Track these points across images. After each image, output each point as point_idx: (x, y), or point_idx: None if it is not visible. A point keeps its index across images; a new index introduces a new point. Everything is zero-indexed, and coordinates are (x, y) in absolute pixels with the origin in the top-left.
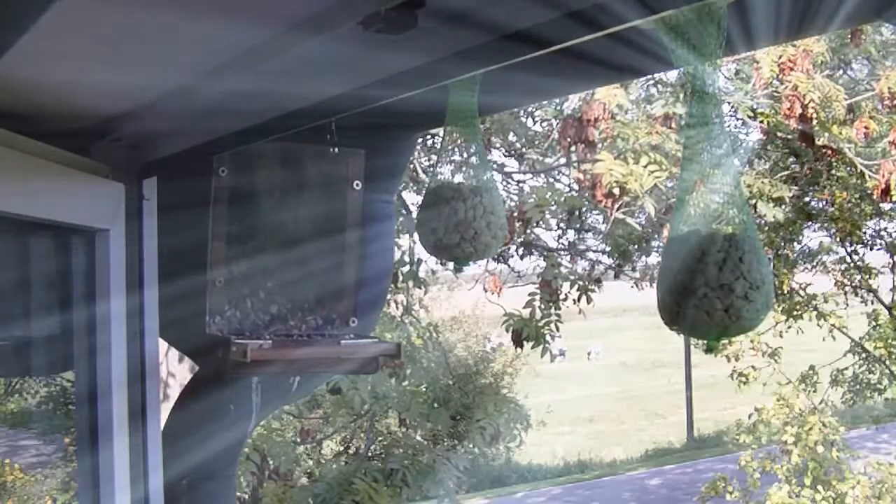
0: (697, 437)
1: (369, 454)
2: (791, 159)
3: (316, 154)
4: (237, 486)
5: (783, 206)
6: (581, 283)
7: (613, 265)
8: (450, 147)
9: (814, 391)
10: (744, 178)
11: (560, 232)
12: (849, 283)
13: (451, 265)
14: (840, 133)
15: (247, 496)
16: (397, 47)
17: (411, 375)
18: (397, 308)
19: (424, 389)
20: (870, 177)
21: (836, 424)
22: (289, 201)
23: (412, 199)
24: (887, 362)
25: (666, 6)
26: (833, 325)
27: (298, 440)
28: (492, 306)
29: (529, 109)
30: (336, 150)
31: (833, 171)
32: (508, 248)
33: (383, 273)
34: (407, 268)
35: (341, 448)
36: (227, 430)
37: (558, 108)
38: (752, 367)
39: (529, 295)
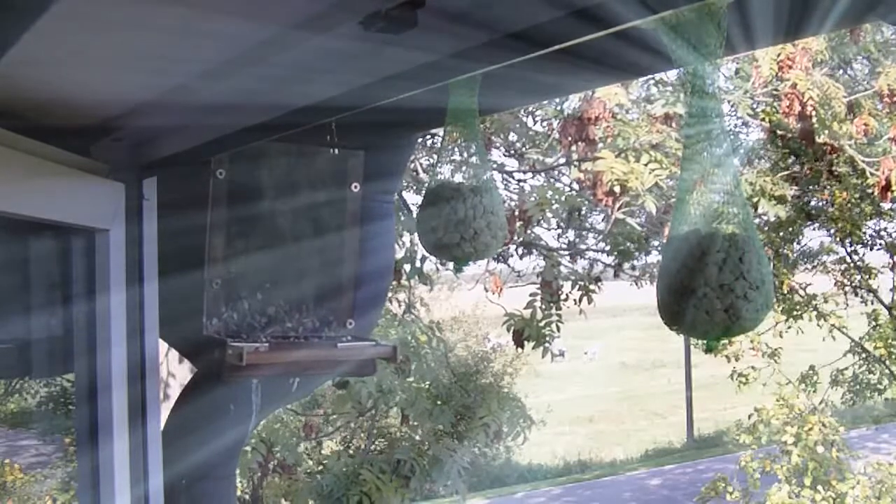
0: (697, 437)
1: (371, 451)
2: (791, 159)
3: (315, 155)
4: (241, 480)
5: (784, 205)
6: (582, 283)
7: (613, 264)
8: (450, 147)
9: (814, 391)
10: (746, 175)
11: (560, 231)
12: (849, 283)
13: (451, 265)
14: (840, 130)
15: (247, 496)
16: (398, 47)
17: (415, 371)
18: (399, 306)
19: (427, 386)
20: (871, 174)
21: (836, 424)
22: (287, 202)
23: (412, 199)
24: (887, 362)
25: (666, 6)
26: (833, 325)
27: (303, 435)
28: (492, 306)
29: (530, 109)
30: (336, 150)
31: (833, 170)
32: (508, 248)
33: (382, 274)
34: (409, 266)
35: (342, 448)
36: (227, 429)
37: (558, 107)
38: (752, 367)
39: (531, 295)
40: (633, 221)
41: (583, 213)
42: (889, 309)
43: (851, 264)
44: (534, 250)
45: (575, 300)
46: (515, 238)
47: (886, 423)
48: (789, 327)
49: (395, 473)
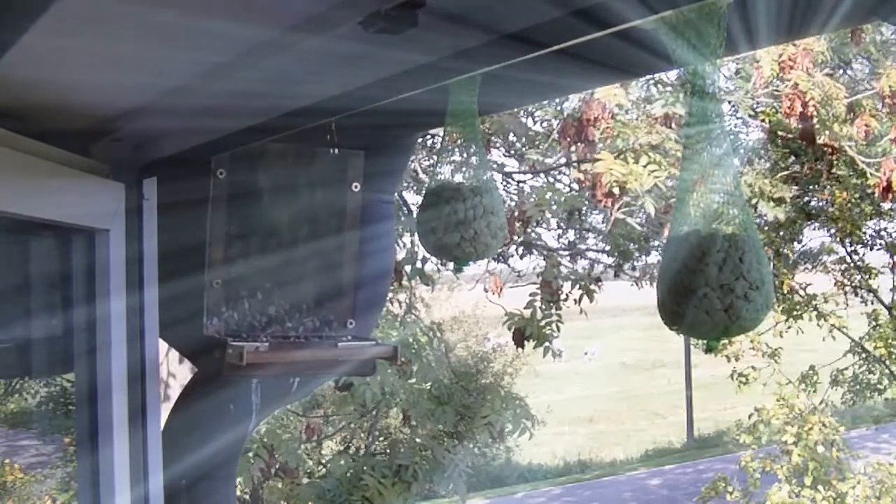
0: (697, 437)
1: (372, 452)
2: (791, 159)
3: (315, 155)
4: (243, 483)
5: (784, 206)
6: (582, 282)
7: (613, 265)
8: (450, 147)
9: (814, 391)
10: (745, 176)
11: (560, 231)
12: (849, 283)
13: (451, 265)
14: (841, 130)
15: (248, 496)
16: (397, 47)
17: (417, 372)
18: (400, 307)
19: (429, 387)
20: (871, 175)
21: (836, 424)
22: (288, 202)
23: (412, 199)
24: (887, 362)
25: (666, 6)
26: (833, 325)
27: (304, 437)
28: (492, 306)
29: (529, 109)
30: (336, 150)
31: (833, 171)
32: (508, 248)
33: (382, 274)
34: (410, 267)
35: (342, 448)
36: (227, 429)
37: (558, 107)
38: (752, 367)
39: (531, 295)
40: (633, 221)
41: (583, 213)
42: (889, 309)
43: (851, 264)
44: (534, 250)
45: (575, 300)
46: (515, 238)
47: (886, 423)
48: (789, 327)
49: (397, 477)
